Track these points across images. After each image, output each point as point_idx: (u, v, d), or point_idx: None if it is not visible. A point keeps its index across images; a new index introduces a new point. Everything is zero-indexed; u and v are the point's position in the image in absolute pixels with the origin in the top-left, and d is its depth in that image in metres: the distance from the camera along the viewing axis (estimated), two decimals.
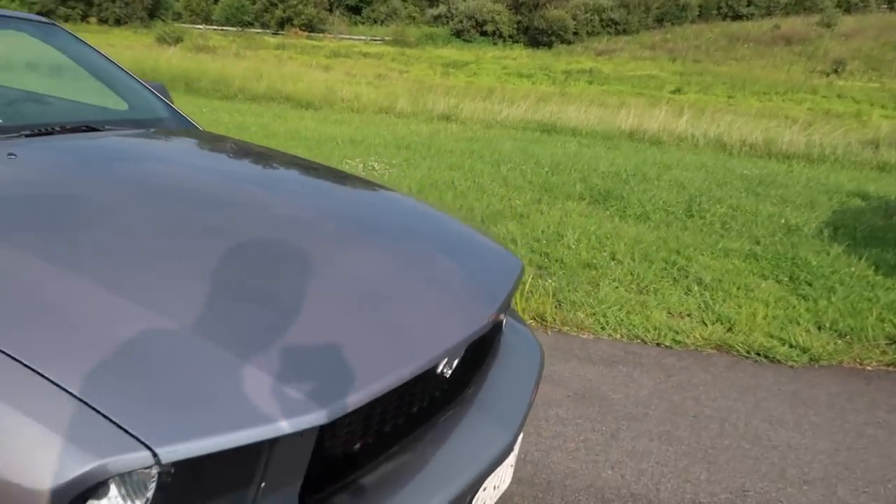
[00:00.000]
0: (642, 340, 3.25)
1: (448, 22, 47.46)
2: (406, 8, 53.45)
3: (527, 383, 1.71)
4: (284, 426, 1.02)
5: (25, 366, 0.95)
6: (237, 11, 43.55)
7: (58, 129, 1.92)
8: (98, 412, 0.92)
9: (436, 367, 1.38)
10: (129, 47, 22.48)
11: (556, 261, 4.24)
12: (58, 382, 0.94)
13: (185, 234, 1.42)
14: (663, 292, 3.81)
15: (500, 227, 4.93)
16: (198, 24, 41.83)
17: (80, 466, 0.87)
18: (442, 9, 49.37)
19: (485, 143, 9.57)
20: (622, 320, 3.39)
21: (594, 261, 4.26)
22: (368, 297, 1.39)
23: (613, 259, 4.34)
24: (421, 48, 39.47)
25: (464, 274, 1.65)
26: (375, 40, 42.65)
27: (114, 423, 0.92)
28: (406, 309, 1.39)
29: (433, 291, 1.50)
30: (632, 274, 4.06)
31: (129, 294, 1.14)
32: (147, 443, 0.91)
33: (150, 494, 0.96)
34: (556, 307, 3.47)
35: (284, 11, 43.09)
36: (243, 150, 2.32)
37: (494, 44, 44.42)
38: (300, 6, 43.21)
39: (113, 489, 0.93)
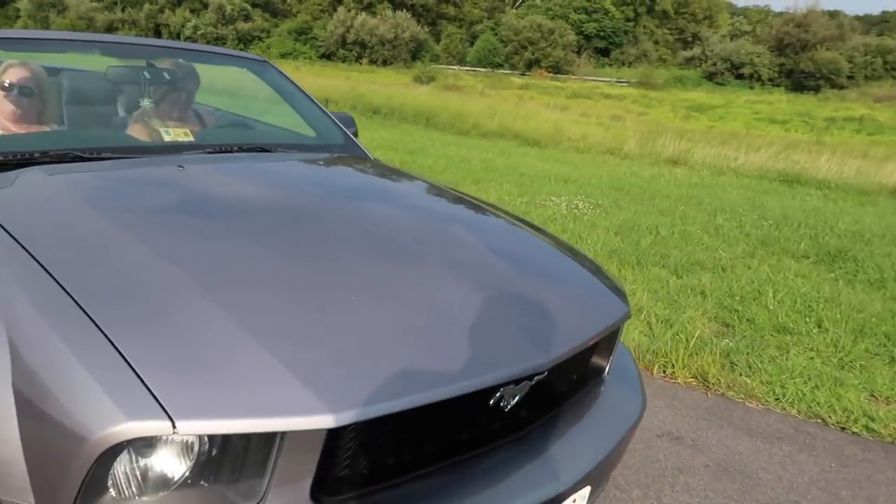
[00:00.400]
0: (823, 420, 2.82)
1: (701, 64, 45.49)
2: (657, 50, 52.30)
3: (607, 438, 1.60)
4: (292, 423, 1.10)
5: (98, 328, 1.15)
6: (489, 54, 46.12)
7: (235, 148, 2.25)
8: (140, 378, 1.08)
9: (485, 397, 1.37)
10: (387, 85, 24.91)
11: (746, 320, 3.85)
12: (118, 347, 1.12)
13: (286, 244, 1.58)
14: (870, 371, 3.27)
15: (691, 277, 4.60)
16: (453, 65, 45.06)
17: (111, 424, 1.03)
18: (696, 51, 47.50)
19: (708, 190, 9.00)
20: (804, 395, 2.98)
21: (792, 326, 3.79)
22: (438, 316, 1.43)
23: (818, 327, 3.82)
24: (667, 91, 38.26)
25: (549, 309, 1.61)
26: (621, 82, 42.29)
27: (149, 390, 1.07)
28: (467, 333, 1.40)
29: (504, 321, 1.48)
30: (836, 345, 3.55)
31: (211, 291, 1.30)
32: (170, 413, 1.04)
33: (171, 461, 1.10)
34: (725, 368, 3.16)
35: (533, 54, 44.66)
36: (389, 175, 2.48)
37: (750, 87, 41.54)
38: (548, 48, 44.47)
39: (139, 449, 1.08)
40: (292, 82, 2.93)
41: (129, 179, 1.80)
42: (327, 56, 43.04)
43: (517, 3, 59.56)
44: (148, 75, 2.40)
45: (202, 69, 2.74)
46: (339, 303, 1.38)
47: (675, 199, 7.91)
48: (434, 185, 2.45)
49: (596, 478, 1.53)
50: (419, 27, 45.71)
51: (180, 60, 2.70)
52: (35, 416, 1.10)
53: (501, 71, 44.06)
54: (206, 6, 45.11)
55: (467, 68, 44.32)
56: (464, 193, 2.43)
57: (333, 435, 1.15)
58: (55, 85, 2.44)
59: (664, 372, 3.14)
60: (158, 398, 1.06)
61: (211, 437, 1.11)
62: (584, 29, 50.09)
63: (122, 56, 2.63)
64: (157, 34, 43.50)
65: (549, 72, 43.40)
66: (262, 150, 2.32)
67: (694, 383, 3.05)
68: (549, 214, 6.33)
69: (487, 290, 1.57)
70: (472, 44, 49.07)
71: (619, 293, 1.86)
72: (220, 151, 2.20)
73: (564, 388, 1.68)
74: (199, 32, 42.96)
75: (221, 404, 1.09)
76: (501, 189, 7.62)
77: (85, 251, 1.38)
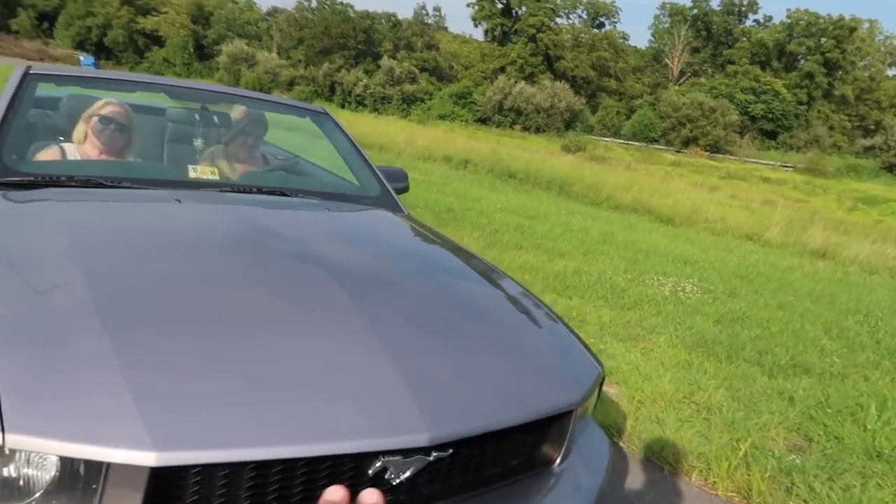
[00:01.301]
0: None
1: (881, 154, 41.80)
2: (832, 136, 48.89)
3: None
4: (114, 454, 1.09)
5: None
6: (645, 128, 45.39)
7: (255, 189, 2.35)
8: None
9: (361, 466, 1.28)
10: (533, 151, 25.21)
11: (833, 438, 3.36)
12: None
13: (213, 283, 1.61)
14: None
15: (785, 381, 4.11)
16: (607, 137, 44.79)
17: None
18: (877, 140, 43.79)
19: (849, 289, 8.11)
20: None
21: (890, 454, 3.25)
22: (328, 372, 1.36)
23: None
24: (837, 179, 35.40)
25: (471, 382, 1.49)
26: (786, 166, 39.81)
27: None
28: (349, 394, 1.32)
29: (402, 387, 1.38)
30: None
31: (109, 323, 1.35)
32: (4, 426, 1.07)
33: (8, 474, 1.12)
34: (780, 488, 2.75)
35: (691, 131, 43.37)
36: (395, 228, 2.46)
37: None
38: (708, 127, 43.00)
39: None
40: (346, 135, 3.02)
41: (119, 206, 1.94)
42: (483, 120, 44.44)
43: (680, 81, 58.50)
44: (198, 117, 2.59)
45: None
46: (229, 348, 1.36)
47: (805, 294, 7.20)
48: (442, 245, 2.39)
49: None
50: (576, 98, 46.09)
51: (247, 108, 2.89)
52: None
53: (656, 146, 43.12)
54: (379, 67, 48.53)
55: (621, 141, 43.85)
56: (471, 256, 2.36)
57: (162, 476, 1.12)
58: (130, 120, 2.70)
59: (704, 479, 2.79)
60: (2, 412, 1.09)
61: (49, 461, 1.12)
62: (749, 110, 48.04)
63: (191, 99, 2.86)
64: (332, 90, 47.28)
65: (707, 150, 41.82)
66: (282, 193, 2.40)
67: (736, 499, 2.69)
68: (647, 294, 5.98)
69: (407, 353, 1.48)
70: (629, 117, 48.64)
71: (581, 377, 1.69)
72: (238, 191, 2.30)
73: (493, 471, 1.54)
74: (368, 91, 46.15)
75: (56, 427, 1.10)
76: (608, 263, 7.34)
77: (17, 265, 1.48)
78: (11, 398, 1.11)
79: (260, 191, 2.36)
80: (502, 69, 54.22)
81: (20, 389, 1.14)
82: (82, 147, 2.60)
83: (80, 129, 2.61)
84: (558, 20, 59.71)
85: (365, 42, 58.23)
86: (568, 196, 14.89)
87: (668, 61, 62.27)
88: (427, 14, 69.66)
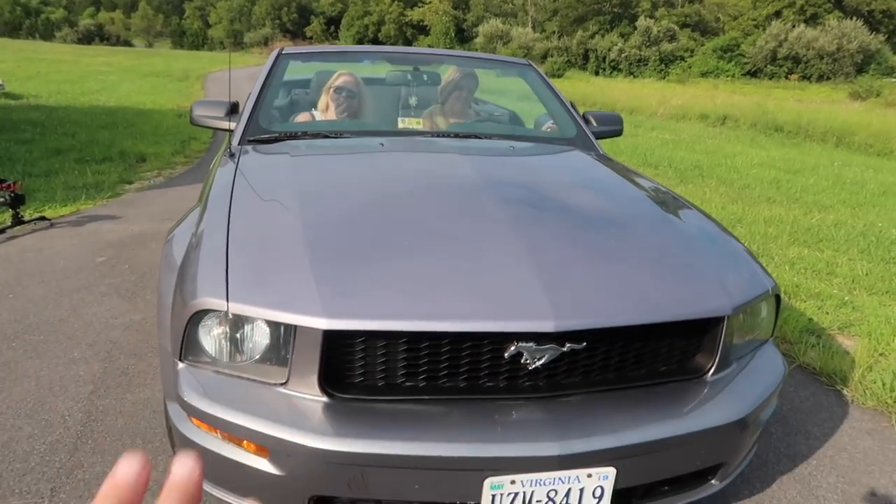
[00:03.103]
0: None
1: None
2: None
3: (645, 430, 1.50)
4: (299, 319, 1.44)
5: (226, 238, 1.67)
6: None
7: (452, 134, 2.64)
8: (227, 274, 1.54)
9: (498, 349, 1.48)
10: (811, 102, 22.40)
11: None
12: (228, 252, 1.61)
13: (399, 198, 1.93)
14: None
15: None
16: None
17: (196, 297, 1.51)
18: None
19: None
20: None
21: None
22: (488, 267, 1.59)
23: None
24: None
25: (619, 282, 1.60)
26: None
27: (227, 282, 1.52)
28: (497, 286, 1.53)
29: (553, 282, 1.54)
30: None
31: (308, 227, 1.74)
32: (228, 299, 1.48)
33: (227, 330, 1.53)
34: None
35: None
36: (579, 162, 2.57)
37: None
38: None
39: (212, 321, 1.54)
40: (548, 83, 3.17)
41: (335, 148, 2.38)
42: (752, 73, 40.36)
43: None
44: (411, 77, 2.95)
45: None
46: (401, 245, 1.66)
47: None
48: (622, 175, 2.45)
49: (623, 461, 1.47)
50: (872, 36, 39.50)
51: (459, 67, 3.20)
52: (177, 287, 1.65)
53: None
54: (635, 29, 46.65)
55: None
56: (655, 186, 2.39)
57: (334, 337, 1.44)
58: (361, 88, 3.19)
59: None
60: (228, 287, 1.50)
61: (260, 323, 1.51)
62: None
63: (406, 62, 3.26)
64: (585, 58, 46.63)
65: None
66: (476, 136, 2.66)
67: None
68: None
69: (549, 257, 1.64)
70: None
71: (737, 290, 1.68)
72: (438, 136, 2.62)
73: (637, 372, 1.63)
74: (623, 55, 44.64)
75: (263, 300, 1.49)
76: (883, 215, 6.43)
77: (259, 188, 1.96)
78: (233, 281, 1.52)
79: (456, 135, 2.65)
80: (777, 14, 48.44)
81: (243, 275, 1.55)
82: (326, 114, 3.13)
83: (322, 100, 3.15)
84: None
85: (620, 4, 56.19)
86: (848, 147, 13.08)
87: None
88: None
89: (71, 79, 18.58)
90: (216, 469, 1.56)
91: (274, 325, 1.50)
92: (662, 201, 2.20)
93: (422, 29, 66.48)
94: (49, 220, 4.70)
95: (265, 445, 1.45)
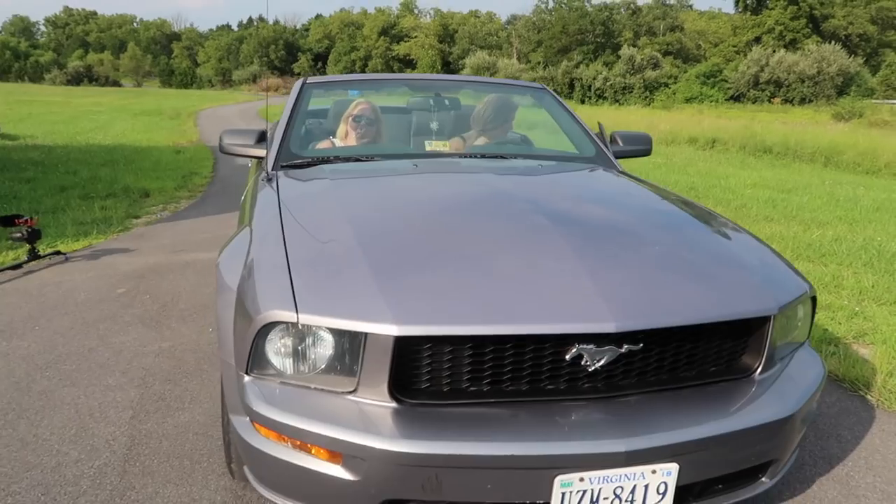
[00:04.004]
0: None
1: None
2: None
3: (707, 425, 1.55)
4: (370, 327, 1.49)
5: (285, 253, 1.73)
6: None
7: (479, 155, 2.72)
8: (292, 286, 1.59)
9: (559, 351, 1.54)
10: (795, 124, 22.80)
11: None
12: (290, 265, 1.67)
13: (443, 211, 2.01)
14: None
15: None
16: (894, 98, 38.58)
17: (265, 310, 1.56)
18: None
19: None
20: None
21: None
22: (539, 273, 1.65)
23: None
24: None
25: (668, 284, 1.67)
26: None
27: (293, 294, 1.57)
28: (553, 291, 1.59)
29: (607, 285, 1.61)
30: None
31: (362, 238, 1.81)
32: (297, 310, 1.53)
33: (294, 343, 1.58)
34: None
35: None
36: (602, 180, 2.66)
37: None
38: None
39: (279, 332, 1.58)
40: (563, 105, 3.27)
41: (369, 170, 2.48)
42: (736, 98, 41.14)
43: None
44: (433, 103, 3.05)
45: None
46: (455, 255, 1.72)
47: None
48: (644, 187, 2.54)
49: (684, 457, 1.52)
50: (850, 59, 40.44)
51: (497, 95, 3.30)
52: (239, 304, 1.70)
53: None
54: (619, 58, 47.53)
55: None
56: (679, 197, 2.47)
57: (404, 344, 1.49)
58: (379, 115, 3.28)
59: None
60: (296, 299, 1.55)
61: (327, 333, 1.55)
62: None
63: (427, 89, 3.36)
64: (571, 87, 47.39)
65: None
66: (502, 157, 2.75)
67: None
68: None
69: (603, 262, 1.71)
70: None
71: (780, 291, 1.75)
72: (464, 157, 2.71)
73: (689, 373, 1.69)
74: (608, 83, 45.42)
75: (332, 309, 1.54)
76: (879, 230, 6.56)
77: (306, 208, 2.03)
78: (299, 293, 1.57)
79: (483, 156, 2.74)
80: (757, 40, 49.58)
81: (308, 286, 1.60)
82: (346, 141, 3.21)
83: (341, 129, 3.24)
84: None
85: (603, 34, 57.37)
86: (836, 167, 13.32)
87: None
88: None
89: (63, 119, 18.70)
90: (284, 479, 1.60)
91: (341, 335, 1.55)
92: (696, 211, 2.29)
93: (408, 63, 67.42)
94: (64, 254, 4.73)
95: (338, 451, 1.49)
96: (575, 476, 1.47)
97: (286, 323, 1.55)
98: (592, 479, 1.48)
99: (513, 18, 69.28)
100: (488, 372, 1.56)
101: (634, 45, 50.11)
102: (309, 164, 2.66)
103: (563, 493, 1.48)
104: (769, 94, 40.33)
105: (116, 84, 68.98)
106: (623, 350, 1.56)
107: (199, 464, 2.22)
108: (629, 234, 1.96)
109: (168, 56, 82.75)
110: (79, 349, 3.13)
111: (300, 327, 1.56)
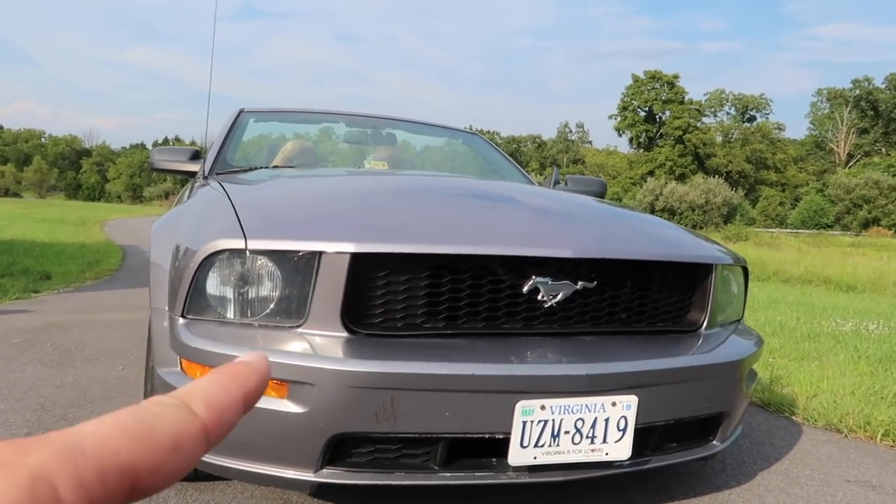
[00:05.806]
0: None
1: None
2: None
3: (662, 360, 1.56)
4: (325, 246, 1.43)
5: (231, 202, 1.66)
6: (815, 214, 42.51)
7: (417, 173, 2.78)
8: (239, 220, 1.53)
9: (517, 283, 1.53)
10: None
11: None
12: (234, 205, 1.60)
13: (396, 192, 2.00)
14: None
15: None
16: (772, 228, 42.33)
17: (211, 240, 1.48)
18: None
19: None
20: None
21: None
22: (494, 210, 1.68)
23: None
24: None
25: (617, 228, 1.73)
26: None
27: (240, 224, 1.51)
28: (508, 220, 1.61)
29: (558, 220, 1.64)
30: None
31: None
32: (245, 236, 1.46)
33: (238, 276, 1.49)
34: None
35: (870, 212, 39.94)
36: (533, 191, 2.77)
37: None
38: (890, 206, 39.40)
39: (222, 264, 1.50)
40: (497, 149, 3.41)
41: (314, 172, 2.50)
42: None
43: (850, 164, 54.79)
44: (370, 133, 3.12)
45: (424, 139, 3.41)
46: (409, 204, 1.73)
47: None
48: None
49: (643, 390, 1.50)
50: (733, 192, 44.46)
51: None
52: (180, 244, 1.60)
53: (830, 232, 40.03)
54: None
55: (789, 230, 41.22)
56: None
57: (359, 267, 1.44)
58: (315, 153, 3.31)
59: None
60: (243, 227, 1.49)
61: (274, 264, 1.48)
62: None
63: (362, 126, 3.44)
64: None
65: (893, 230, 38.08)
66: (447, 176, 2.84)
67: None
68: (824, 330, 5.63)
69: (568, 214, 1.77)
70: (794, 206, 45.85)
71: (718, 254, 1.83)
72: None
73: (640, 326, 1.71)
74: None
75: (282, 232, 1.48)
76: (776, 314, 6.98)
77: (251, 186, 1.99)
78: (247, 223, 1.51)
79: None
80: (651, 173, 53.95)
81: (253, 219, 1.54)
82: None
83: (277, 160, 3.22)
84: (705, 119, 59.14)
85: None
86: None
87: (832, 146, 58.86)
88: (570, 131, 71.89)
89: None
90: None
91: (290, 262, 1.47)
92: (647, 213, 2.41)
93: None
94: None
95: (285, 379, 1.37)
96: (536, 403, 1.41)
97: (232, 251, 1.47)
98: (554, 409, 1.43)
99: None
100: (445, 305, 1.52)
101: (540, 174, 53.30)
102: (247, 171, 2.62)
103: (525, 423, 1.41)
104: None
105: (17, 195, 66.18)
106: (578, 287, 1.56)
107: None
108: (580, 206, 2.02)
109: (76, 171, 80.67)
110: None
111: (247, 254, 1.48)
